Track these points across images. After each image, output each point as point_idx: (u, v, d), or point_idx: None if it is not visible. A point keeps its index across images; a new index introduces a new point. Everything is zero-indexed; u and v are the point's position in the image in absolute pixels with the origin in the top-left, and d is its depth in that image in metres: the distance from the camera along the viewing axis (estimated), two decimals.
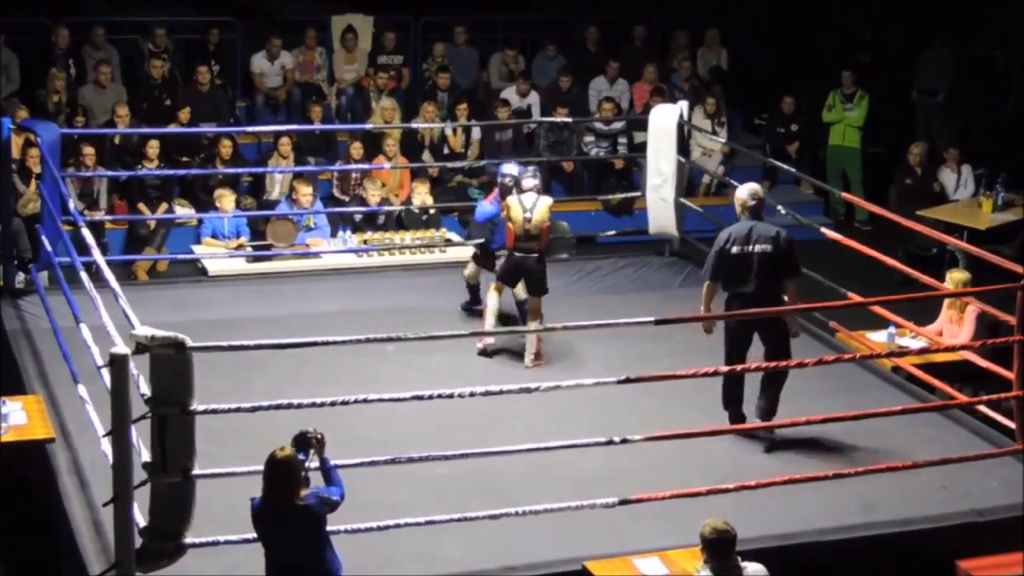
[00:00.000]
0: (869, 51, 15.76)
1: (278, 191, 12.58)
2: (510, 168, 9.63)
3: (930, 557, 7.11)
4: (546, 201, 9.29)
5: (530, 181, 9.28)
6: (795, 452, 7.99)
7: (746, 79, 15.51)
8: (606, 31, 15.54)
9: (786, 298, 8.33)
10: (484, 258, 9.94)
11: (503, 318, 9.57)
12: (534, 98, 14.26)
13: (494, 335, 9.46)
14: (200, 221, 12.06)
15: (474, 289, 10.14)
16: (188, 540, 6.28)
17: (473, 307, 10.12)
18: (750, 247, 8.10)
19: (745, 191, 8.39)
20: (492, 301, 9.41)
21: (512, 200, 9.25)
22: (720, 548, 5.88)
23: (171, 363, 6.01)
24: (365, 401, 6.62)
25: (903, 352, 9.03)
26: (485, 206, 9.88)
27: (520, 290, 9.54)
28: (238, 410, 6.53)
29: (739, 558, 5.96)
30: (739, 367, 7.95)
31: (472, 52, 15.17)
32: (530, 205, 9.19)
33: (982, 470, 7.76)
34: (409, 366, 8.86)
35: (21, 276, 10.34)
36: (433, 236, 11.96)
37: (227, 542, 6.39)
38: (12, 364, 9.08)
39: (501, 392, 7.00)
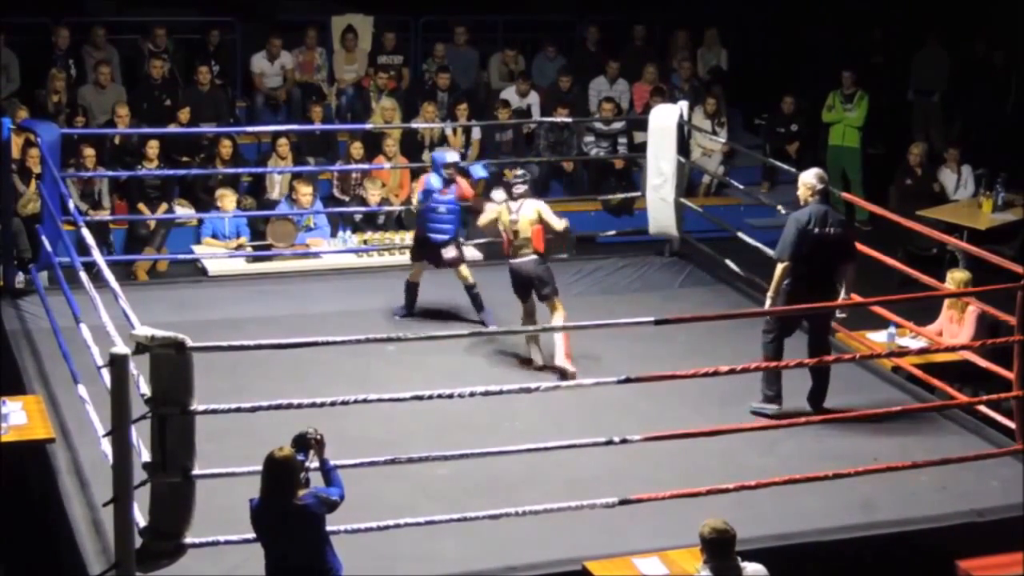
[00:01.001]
0: (881, 52, 15.73)
1: (278, 191, 12.58)
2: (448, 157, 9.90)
3: (930, 557, 7.11)
4: (534, 204, 9.28)
5: (520, 187, 9.31)
6: (795, 452, 7.98)
7: (746, 79, 15.51)
8: (606, 31, 15.54)
9: (844, 280, 8.47)
10: (422, 251, 9.93)
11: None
12: (534, 98, 14.26)
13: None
14: (200, 221, 12.07)
15: (413, 289, 10.08)
16: (188, 540, 6.28)
17: (409, 312, 10.06)
18: (827, 229, 8.34)
19: (813, 176, 8.56)
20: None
21: (500, 207, 9.32)
22: (720, 548, 5.87)
23: (171, 363, 6.01)
24: (365, 401, 6.63)
25: (903, 352, 9.03)
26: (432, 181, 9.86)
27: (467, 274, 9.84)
28: (238, 410, 6.53)
29: (739, 558, 5.96)
30: (739, 367, 7.95)
31: (472, 52, 15.17)
32: (516, 208, 9.24)
33: (982, 470, 7.76)
34: (409, 366, 8.86)
35: (21, 276, 10.33)
36: None
37: (227, 542, 6.39)
38: (12, 364, 9.08)
39: (501, 392, 7.01)
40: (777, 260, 8.42)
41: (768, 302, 8.46)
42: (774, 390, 8.46)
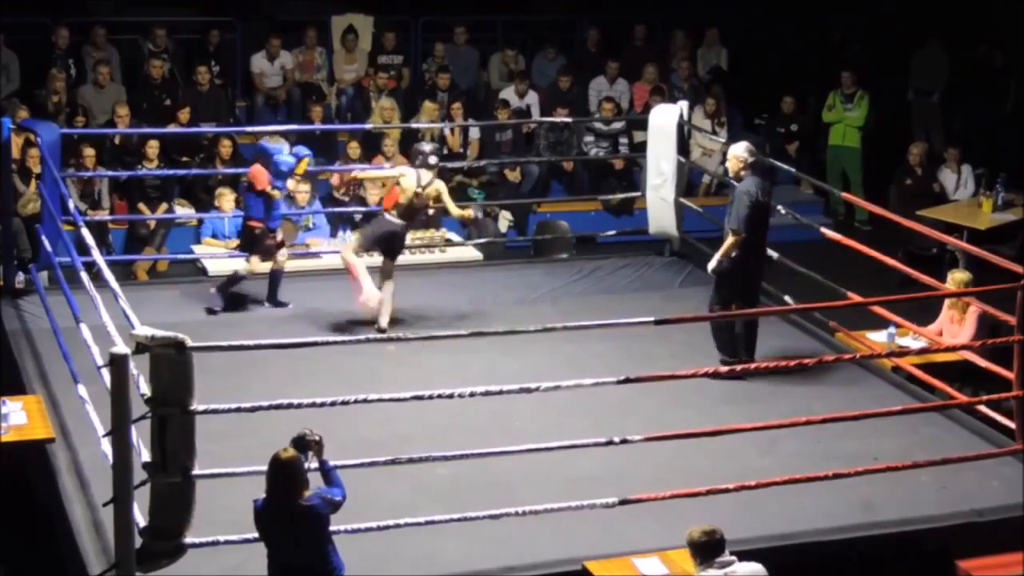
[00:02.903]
0: (881, 52, 15.73)
1: None
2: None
3: (930, 557, 7.11)
4: (440, 184, 9.71)
5: (434, 159, 9.68)
6: (795, 452, 7.98)
7: (746, 79, 15.51)
8: (606, 31, 15.55)
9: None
10: (262, 240, 10.03)
11: None
12: (532, 98, 14.26)
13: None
14: (200, 221, 12.07)
15: (236, 282, 10.17)
16: (188, 540, 6.28)
17: (220, 309, 10.09)
18: (767, 198, 8.92)
19: (743, 149, 8.95)
20: (361, 263, 9.72)
21: (410, 170, 9.59)
22: (712, 551, 5.88)
23: (171, 363, 6.02)
24: (365, 401, 6.63)
25: (903, 352, 9.02)
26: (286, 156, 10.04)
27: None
28: (238, 410, 6.53)
29: (736, 558, 5.95)
30: (739, 367, 7.97)
31: (472, 52, 15.17)
32: (425, 182, 9.56)
33: (982, 470, 7.75)
34: (409, 366, 8.86)
35: (21, 276, 10.33)
36: (433, 236, 11.95)
37: (227, 542, 6.39)
38: (12, 364, 9.08)
39: (501, 392, 7.00)
40: (734, 232, 8.79)
41: (714, 264, 8.91)
42: (728, 353, 8.88)
